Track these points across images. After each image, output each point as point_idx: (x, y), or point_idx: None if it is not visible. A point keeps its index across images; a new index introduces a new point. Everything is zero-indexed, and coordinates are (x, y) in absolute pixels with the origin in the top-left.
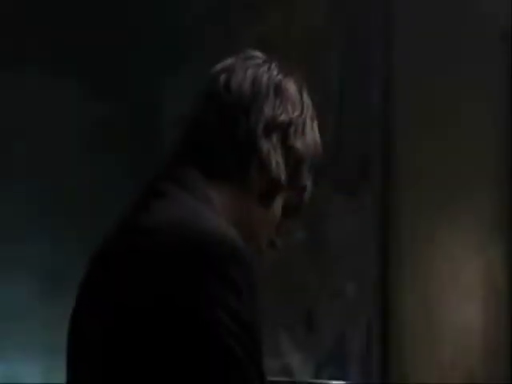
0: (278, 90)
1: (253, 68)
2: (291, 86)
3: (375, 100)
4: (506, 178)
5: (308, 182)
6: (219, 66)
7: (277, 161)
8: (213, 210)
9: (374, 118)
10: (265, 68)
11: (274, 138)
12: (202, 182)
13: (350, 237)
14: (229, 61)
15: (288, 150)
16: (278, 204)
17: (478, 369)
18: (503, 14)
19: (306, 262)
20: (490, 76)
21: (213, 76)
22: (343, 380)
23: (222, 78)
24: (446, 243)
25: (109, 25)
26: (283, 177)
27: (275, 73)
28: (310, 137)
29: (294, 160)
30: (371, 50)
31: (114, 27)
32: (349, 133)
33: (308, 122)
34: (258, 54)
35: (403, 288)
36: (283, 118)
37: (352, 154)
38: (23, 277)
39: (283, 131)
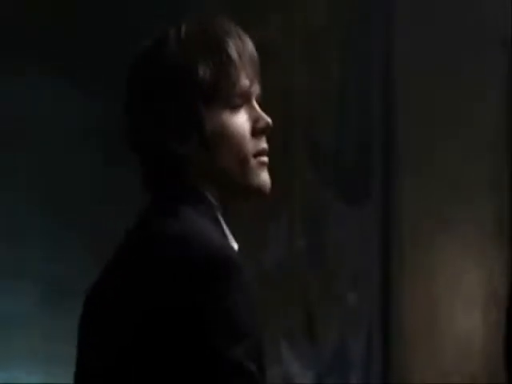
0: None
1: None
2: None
3: (376, 103)
4: (507, 186)
5: (250, 83)
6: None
7: (175, 113)
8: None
9: (375, 125)
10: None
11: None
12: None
13: (351, 244)
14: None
15: (178, 92)
16: (226, 120)
17: (478, 376)
18: (504, 21)
19: (307, 269)
20: (491, 82)
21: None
22: None
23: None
24: (447, 251)
25: (109, 25)
26: (192, 114)
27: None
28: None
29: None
30: (372, 56)
31: (114, 28)
32: (351, 136)
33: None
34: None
35: (404, 296)
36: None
37: (354, 158)
38: (24, 285)
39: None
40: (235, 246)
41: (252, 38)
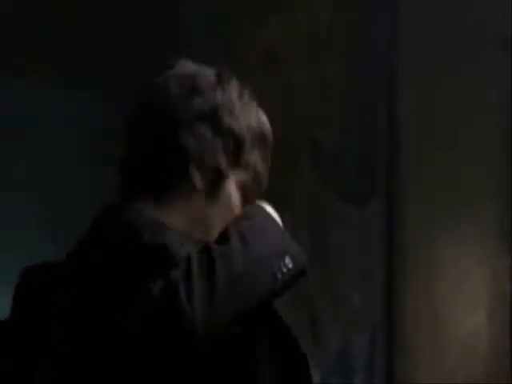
0: (194, 86)
1: (166, 77)
2: (206, 75)
3: (378, 103)
4: (510, 185)
5: (257, 162)
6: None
7: (212, 151)
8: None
9: (378, 125)
10: (178, 71)
11: (201, 129)
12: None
13: (354, 245)
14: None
15: (223, 133)
16: (231, 191)
17: (482, 376)
18: (504, 21)
19: (310, 270)
20: (492, 85)
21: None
22: None
23: (140, 97)
24: (451, 251)
25: (109, 25)
26: (223, 163)
27: (187, 71)
28: (243, 115)
29: (232, 142)
30: (376, 59)
31: (114, 28)
32: (354, 136)
33: (235, 99)
34: (180, 61)
35: (408, 297)
36: (206, 107)
37: (356, 161)
38: None
39: (210, 118)
40: None
41: (253, 40)
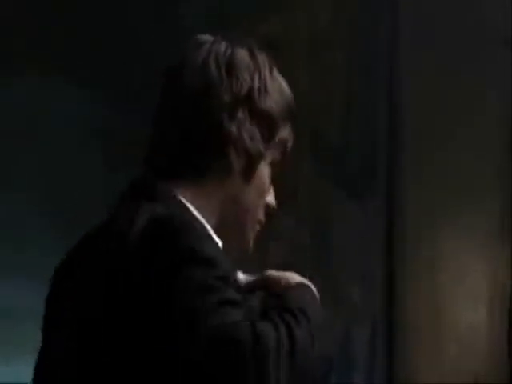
0: (230, 67)
1: (201, 55)
2: (240, 54)
3: (380, 101)
4: (510, 180)
5: (287, 135)
6: (171, 63)
7: (250, 135)
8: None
9: (379, 121)
10: (212, 50)
11: (240, 112)
12: (173, 192)
13: (355, 240)
14: (180, 55)
15: (259, 115)
16: (264, 172)
17: (483, 371)
18: (504, 21)
19: (310, 266)
20: (494, 82)
21: (166, 74)
22: None
23: (174, 75)
24: (451, 246)
25: (109, 25)
26: (261, 147)
27: (223, 50)
28: (275, 91)
29: (267, 122)
30: (377, 53)
31: (114, 28)
32: (354, 135)
33: (268, 77)
34: (205, 37)
35: (408, 292)
36: (243, 90)
37: (357, 156)
38: (26, 281)
39: (247, 102)
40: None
41: (255, 35)
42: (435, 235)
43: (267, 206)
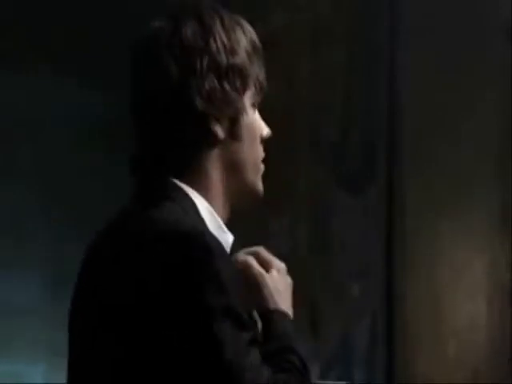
0: (183, 51)
1: (155, 52)
2: (187, 32)
3: (380, 95)
4: (510, 174)
5: (258, 71)
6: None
7: (224, 99)
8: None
9: (379, 116)
10: (161, 41)
11: (207, 84)
12: (183, 189)
13: (354, 235)
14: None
15: (229, 73)
16: (249, 119)
17: (482, 365)
18: (505, 21)
19: (310, 260)
20: (494, 74)
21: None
22: (349, 380)
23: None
24: (451, 240)
25: (109, 25)
26: (238, 103)
27: (169, 37)
28: (234, 41)
29: (238, 75)
30: (376, 47)
31: (114, 28)
32: (354, 128)
33: (222, 33)
34: (152, 29)
35: (407, 286)
36: (205, 62)
37: (357, 149)
38: (25, 275)
39: (212, 70)
40: (230, 238)
41: (256, 31)
42: (435, 225)
43: (262, 138)
